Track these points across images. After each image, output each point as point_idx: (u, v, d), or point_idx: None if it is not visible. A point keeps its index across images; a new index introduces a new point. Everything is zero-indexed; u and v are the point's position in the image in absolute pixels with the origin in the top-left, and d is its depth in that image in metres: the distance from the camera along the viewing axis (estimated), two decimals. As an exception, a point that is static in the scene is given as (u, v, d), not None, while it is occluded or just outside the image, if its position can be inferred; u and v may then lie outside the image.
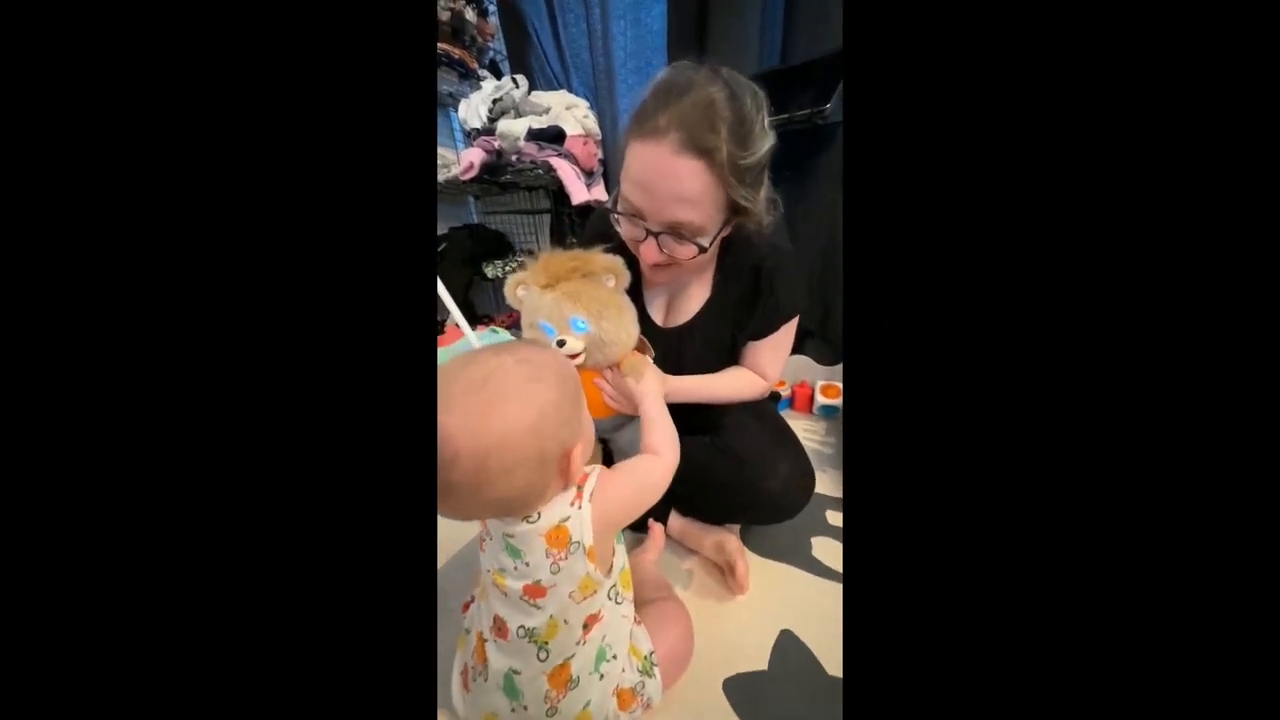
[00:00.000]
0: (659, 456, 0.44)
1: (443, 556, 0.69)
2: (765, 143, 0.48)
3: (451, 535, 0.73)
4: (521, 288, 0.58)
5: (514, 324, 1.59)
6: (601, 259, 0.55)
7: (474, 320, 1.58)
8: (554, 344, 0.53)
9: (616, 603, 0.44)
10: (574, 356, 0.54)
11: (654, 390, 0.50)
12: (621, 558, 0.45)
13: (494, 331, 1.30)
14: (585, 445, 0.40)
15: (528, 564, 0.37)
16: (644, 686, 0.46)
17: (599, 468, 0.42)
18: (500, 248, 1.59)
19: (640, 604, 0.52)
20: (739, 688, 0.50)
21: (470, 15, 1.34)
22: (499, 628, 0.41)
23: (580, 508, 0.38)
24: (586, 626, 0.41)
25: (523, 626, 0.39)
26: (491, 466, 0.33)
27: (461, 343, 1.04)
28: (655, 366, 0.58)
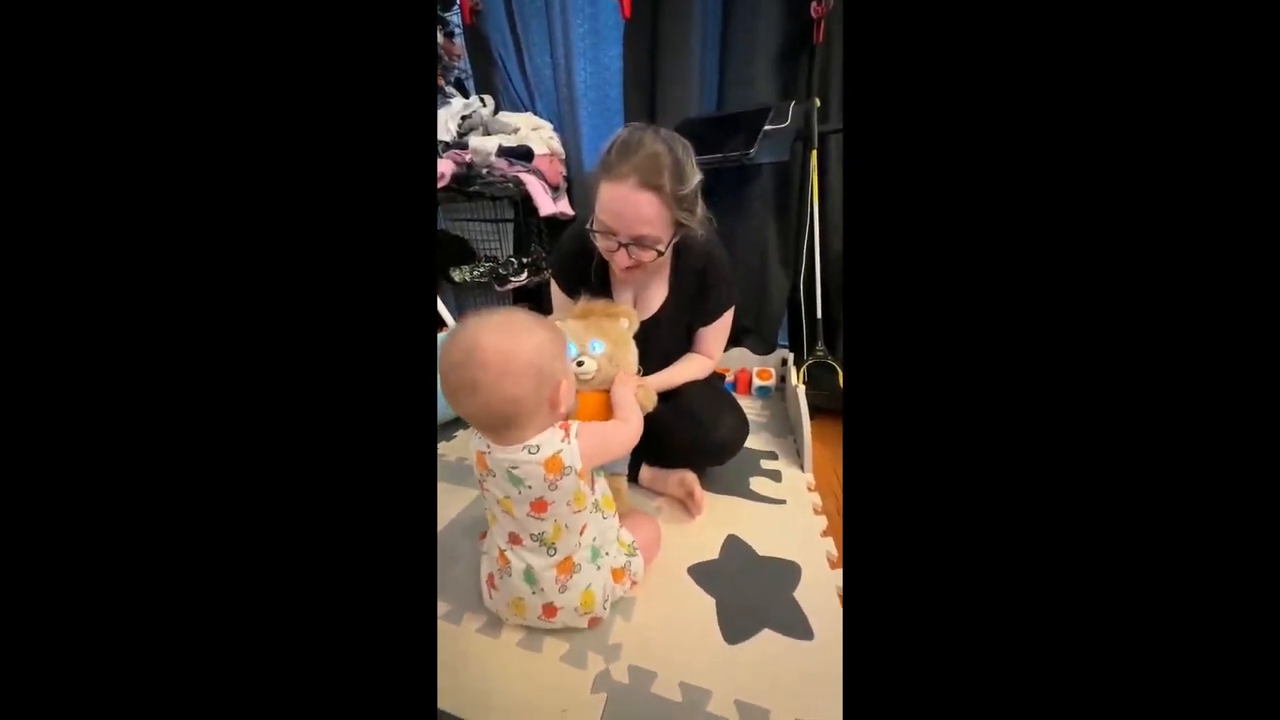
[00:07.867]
0: (626, 423, 0.63)
1: (445, 517, 0.81)
2: (695, 178, 0.69)
3: (449, 501, 0.84)
4: (557, 320, 0.75)
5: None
6: (623, 308, 0.76)
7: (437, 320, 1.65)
8: (574, 363, 0.68)
9: (603, 517, 0.60)
10: (587, 375, 0.69)
11: (628, 384, 0.69)
12: (601, 485, 0.61)
13: (465, 329, 1.40)
14: (568, 386, 0.55)
15: (530, 487, 0.52)
16: (630, 566, 0.62)
17: (579, 422, 0.57)
18: (464, 253, 1.69)
19: (621, 518, 0.69)
20: (699, 571, 0.69)
21: (438, 36, 1.46)
22: (514, 539, 0.55)
23: (570, 443, 0.53)
24: (581, 532, 0.56)
25: (532, 534, 0.54)
26: (510, 366, 0.48)
27: (445, 334, 1.14)
28: (631, 371, 0.76)
